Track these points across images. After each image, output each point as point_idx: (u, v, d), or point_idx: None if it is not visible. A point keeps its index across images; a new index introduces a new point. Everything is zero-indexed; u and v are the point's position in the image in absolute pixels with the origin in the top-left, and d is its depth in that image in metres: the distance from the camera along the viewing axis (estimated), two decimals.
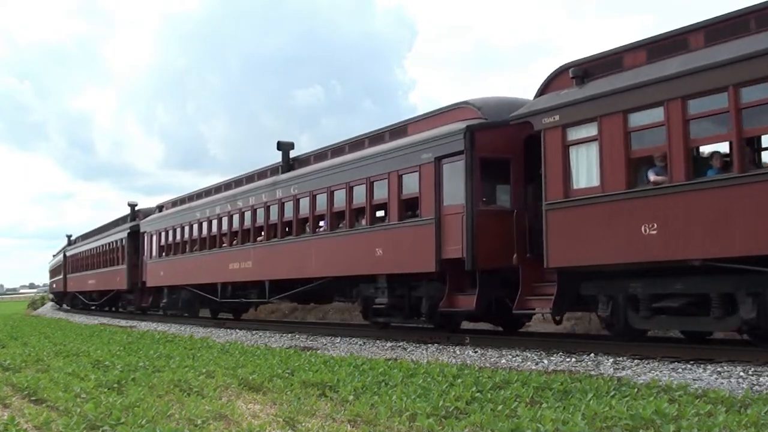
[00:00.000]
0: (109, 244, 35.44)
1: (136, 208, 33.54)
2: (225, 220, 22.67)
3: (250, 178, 22.22)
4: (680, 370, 9.14)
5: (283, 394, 7.55)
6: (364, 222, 15.90)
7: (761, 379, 8.17)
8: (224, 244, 22.69)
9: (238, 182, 23.07)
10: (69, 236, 50.34)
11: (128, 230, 31.96)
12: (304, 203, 18.08)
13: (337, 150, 17.94)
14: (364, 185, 15.73)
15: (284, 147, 19.29)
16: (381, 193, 15.31)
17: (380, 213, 15.96)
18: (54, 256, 61.03)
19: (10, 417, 6.69)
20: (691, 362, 9.60)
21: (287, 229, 19.22)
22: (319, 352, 12.67)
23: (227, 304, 23.91)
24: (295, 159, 19.88)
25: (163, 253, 27.76)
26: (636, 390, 6.98)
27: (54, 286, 56.93)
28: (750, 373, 8.57)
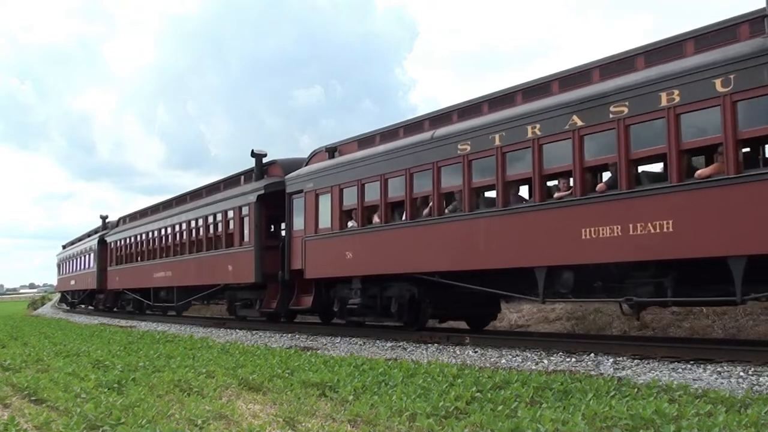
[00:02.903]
0: (218, 215, 22.70)
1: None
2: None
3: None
4: (680, 370, 9.13)
5: (283, 394, 7.55)
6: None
7: (761, 379, 8.17)
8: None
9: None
10: (104, 217, 39.15)
11: (262, 191, 20.58)
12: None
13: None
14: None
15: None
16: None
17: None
18: (65, 247, 51.05)
19: (10, 417, 6.69)
20: (691, 362, 9.60)
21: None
22: (319, 352, 12.67)
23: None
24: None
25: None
26: (636, 390, 6.98)
27: (73, 282, 44.43)
28: (750, 373, 8.57)
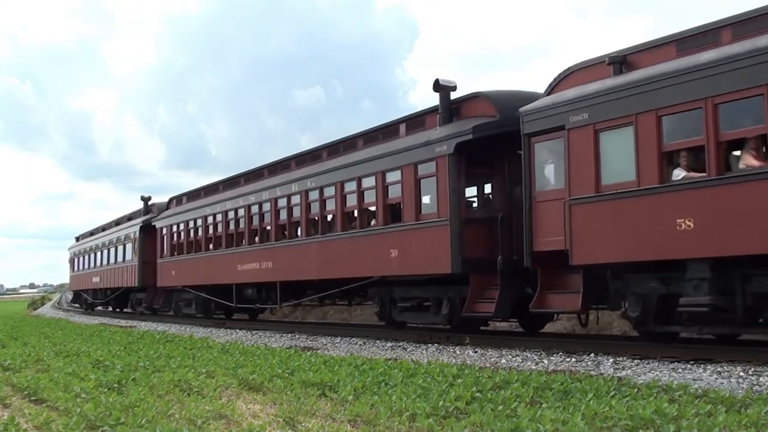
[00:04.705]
0: (367, 180, 16.85)
1: None
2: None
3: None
4: (680, 370, 9.14)
5: (283, 394, 7.55)
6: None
7: (761, 379, 8.17)
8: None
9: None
10: (147, 198, 31.10)
11: (469, 135, 15.52)
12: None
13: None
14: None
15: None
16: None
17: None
18: (80, 239, 43.90)
19: (10, 417, 6.69)
20: (691, 362, 9.60)
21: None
22: (319, 352, 12.67)
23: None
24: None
25: None
26: (636, 390, 6.98)
27: (97, 279, 36.76)
28: (750, 373, 8.57)
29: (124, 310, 35.38)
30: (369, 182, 15.46)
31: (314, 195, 17.39)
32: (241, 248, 20.88)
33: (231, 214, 21.80)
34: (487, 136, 12.93)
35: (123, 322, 27.27)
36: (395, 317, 15.61)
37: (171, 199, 28.18)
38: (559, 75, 12.15)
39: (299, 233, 18.32)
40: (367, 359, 10.27)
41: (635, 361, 10.01)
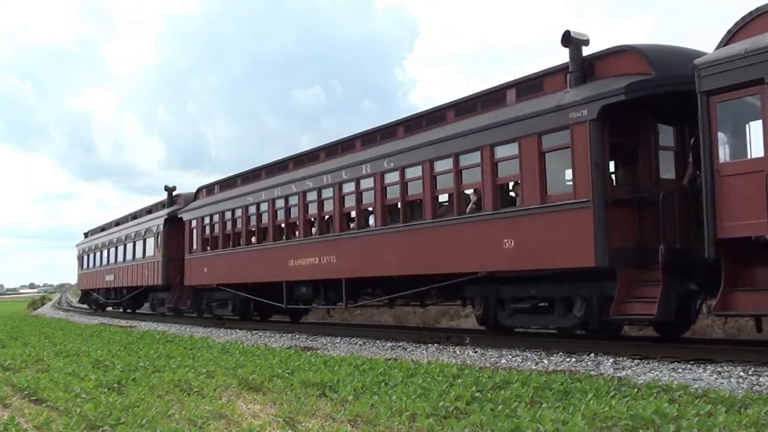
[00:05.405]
0: (467, 157, 14.18)
1: None
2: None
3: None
4: (680, 370, 9.14)
5: (283, 394, 7.56)
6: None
7: (761, 379, 8.17)
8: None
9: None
10: (171, 189, 27.93)
11: (621, 95, 12.23)
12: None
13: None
14: None
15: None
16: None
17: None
18: (88, 235, 40.91)
19: (10, 417, 6.70)
20: (691, 362, 9.59)
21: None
22: (319, 352, 12.67)
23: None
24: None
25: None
26: (636, 390, 6.98)
27: (110, 278, 33.62)
28: (750, 373, 8.57)
29: (137, 311, 33.33)
30: (470, 159, 13.03)
31: (392, 177, 14.90)
32: (295, 241, 18.33)
33: (280, 203, 18.98)
34: (636, 99, 10.57)
35: (123, 322, 27.24)
36: (503, 321, 13.17)
37: (200, 189, 25.32)
38: (744, 18, 9.75)
39: (371, 222, 15.78)
40: (367, 359, 10.27)
41: (635, 361, 10.01)
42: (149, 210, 30.04)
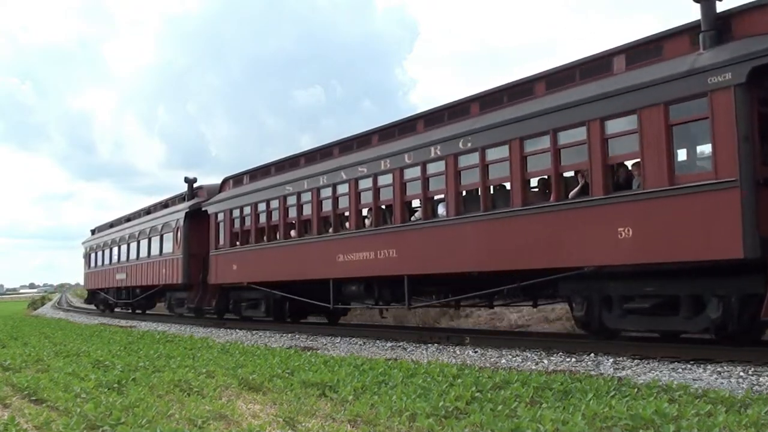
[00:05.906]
0: (570, 133, 11.85)
1: None
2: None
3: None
4: (680, 370, 9.14)
5: (283, 394, 7.56)
6: None
7: (761, 379, 8.18)
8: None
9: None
10: (192, 180, 25.77)
11: None
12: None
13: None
14: None
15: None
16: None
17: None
18: (96, 231, 38.85)
19: (10, 417, 6.70)
20: (691, 362, 9.60)
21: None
22: (319, 352, 12.67)
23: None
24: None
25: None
26: (636, 390, 6.98)
27: (122, 276, 31.48)
28: (750, 373, 8.57)
29: (147, 312, 31.66)
30: (571, 136, 11.29)
31: (468, 160, 13.09)
32: (345, 234, 16.36)
33: (326, 192, 16.98)
34: None
35: (123, 322, 27.24)
36: (608, 323, 11.40)
37: (226, 180, 23.24)
38: None
39: (441, 212, 13.98)
40: (367, 359, 10.27)
41: (635, 361, 10.02)
42: (165, 204, 28.22)
